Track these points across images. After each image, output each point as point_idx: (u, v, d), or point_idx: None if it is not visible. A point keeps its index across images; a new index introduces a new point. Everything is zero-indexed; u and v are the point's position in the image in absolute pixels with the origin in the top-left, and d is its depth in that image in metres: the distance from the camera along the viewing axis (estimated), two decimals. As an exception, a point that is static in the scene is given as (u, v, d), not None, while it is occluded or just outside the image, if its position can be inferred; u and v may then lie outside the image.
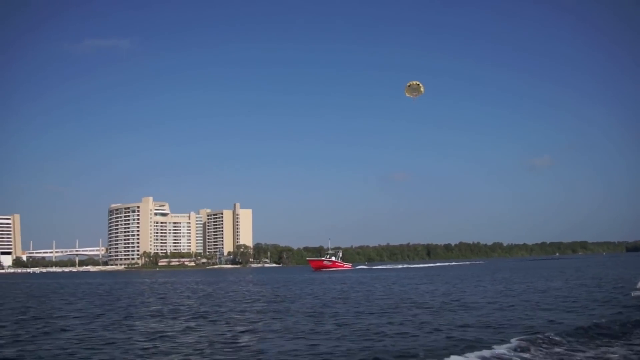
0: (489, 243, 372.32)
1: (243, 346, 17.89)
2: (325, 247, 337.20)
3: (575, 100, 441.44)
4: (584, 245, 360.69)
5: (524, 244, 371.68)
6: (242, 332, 21.12)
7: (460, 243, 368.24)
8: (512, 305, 27.59)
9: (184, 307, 33.52)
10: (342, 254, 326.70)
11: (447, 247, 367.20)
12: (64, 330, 22.61)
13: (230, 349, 17.25)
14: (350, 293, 43.26)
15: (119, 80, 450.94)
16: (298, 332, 20.55)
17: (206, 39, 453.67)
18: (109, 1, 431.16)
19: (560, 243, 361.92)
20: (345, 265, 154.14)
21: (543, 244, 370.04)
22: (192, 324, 23.83)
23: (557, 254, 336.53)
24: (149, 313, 29.76)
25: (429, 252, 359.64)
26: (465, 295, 36.13)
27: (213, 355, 16.21)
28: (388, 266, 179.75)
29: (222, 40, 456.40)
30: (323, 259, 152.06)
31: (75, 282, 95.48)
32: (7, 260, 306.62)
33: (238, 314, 27.78)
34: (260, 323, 23.60)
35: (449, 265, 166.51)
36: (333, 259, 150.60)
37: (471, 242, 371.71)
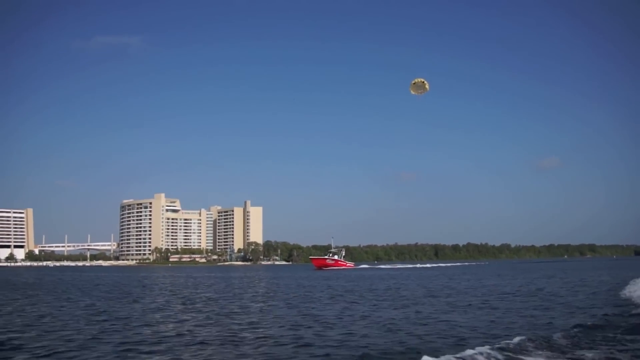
0: (497, 244, 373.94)
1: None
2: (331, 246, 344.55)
3: (582, 102, 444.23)
4: (592, 248, 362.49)
5: (532, 246, 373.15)
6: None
7: (468, 244, 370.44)
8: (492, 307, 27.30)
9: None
10: (351, 253, 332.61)
11: (455, 247, 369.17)
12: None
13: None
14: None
15: (129, 76, 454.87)
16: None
17: (216, 36, 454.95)
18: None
19: (568, 245, 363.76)
20: (347, 264, 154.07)
21: (551, 246, 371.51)
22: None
23: (566, 256, 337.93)
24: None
25: (437, 252, 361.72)
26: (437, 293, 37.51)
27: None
28: (392, 265, 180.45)
29: (231, 37, 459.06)
30: (326, 257, 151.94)
31: (123, 276, 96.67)
32: (20, 254, 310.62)
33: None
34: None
35: (453, 265, 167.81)
36: (336, 257, 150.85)
37: (479, 243, 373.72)
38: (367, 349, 15.51)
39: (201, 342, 16.97)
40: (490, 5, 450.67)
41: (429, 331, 18.83)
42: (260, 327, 20.54)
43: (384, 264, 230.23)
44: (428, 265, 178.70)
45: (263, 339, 17.57)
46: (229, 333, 18.91)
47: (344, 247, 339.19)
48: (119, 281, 70.55)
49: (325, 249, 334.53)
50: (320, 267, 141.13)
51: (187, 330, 19.73)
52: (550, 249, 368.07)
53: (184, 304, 31.82)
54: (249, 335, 18.52)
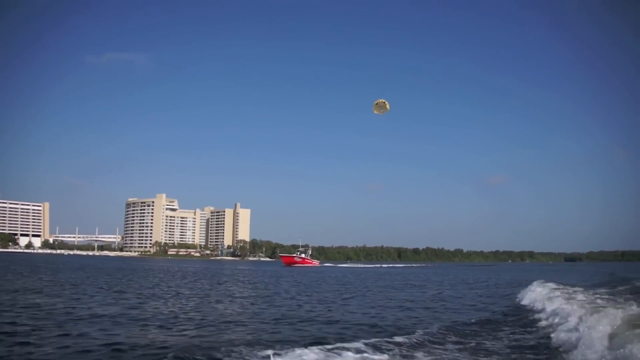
0: (452, 249, 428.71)
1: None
2: (309, 245, 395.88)
3: (527, 127, 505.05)
4: (530, 254, 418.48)
5: (481, 251, 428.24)
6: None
7: (427, 248, 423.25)
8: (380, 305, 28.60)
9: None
10: (325, 252, 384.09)
11: (416, 250, 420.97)
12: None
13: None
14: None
15: (136, 91, 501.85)
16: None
17: (214, 50, 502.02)
18: (129, 19, 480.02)
19: (511, 252, 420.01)
20: (313, 262, 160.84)
21: (497, 251, 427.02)
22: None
23: (510, 261, 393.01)
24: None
25: (400, 254, 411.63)
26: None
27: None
28: (355, 265, 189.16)
29: (228, 55, 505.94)
30: (294, 255, 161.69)
31: (135, 265, 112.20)
32: (36, 242, 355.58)
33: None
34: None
35: (408, 266, 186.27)
36: (303, 255, 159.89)
37: (436, 248, 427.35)
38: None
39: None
40: (455, 26, 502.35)
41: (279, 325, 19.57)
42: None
43: (350, 263, 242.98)
44: (385, 265, 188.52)
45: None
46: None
47: (314, 247, 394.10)
48: (150, 268, 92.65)
49: (304, 248, 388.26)
50: (289, 264, 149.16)
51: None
52: (496, 254, 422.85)
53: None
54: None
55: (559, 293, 26.68)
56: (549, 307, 21.51)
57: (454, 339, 16.56)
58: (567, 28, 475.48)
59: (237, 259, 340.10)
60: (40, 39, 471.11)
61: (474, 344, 15.69)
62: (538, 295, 27.89)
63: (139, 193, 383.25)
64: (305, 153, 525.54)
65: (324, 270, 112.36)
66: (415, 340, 15.69)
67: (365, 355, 13.32)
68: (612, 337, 12.74)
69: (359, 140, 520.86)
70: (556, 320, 18.35)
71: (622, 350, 11.39)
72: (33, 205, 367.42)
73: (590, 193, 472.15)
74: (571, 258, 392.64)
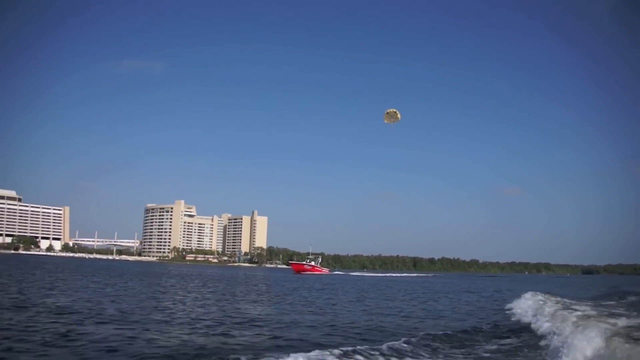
0: (467, 259, 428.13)
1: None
2: (319, 253, 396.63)
3: (541, 141, 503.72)
4: (547, 266, 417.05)
5: (497, 262, 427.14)
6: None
7: (443, 258, 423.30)
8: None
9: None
10: (341, 261, 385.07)
11: (431, 260, 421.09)
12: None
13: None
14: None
15: (154, 98, 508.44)
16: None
17: (230, 56, 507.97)
18: (147, 27, 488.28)
19: (527, 263, 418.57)
20: (323, 270, 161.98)
21: (513, 263, 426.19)
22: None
23: (527, 272, 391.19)
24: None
25: (415, 264, 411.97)
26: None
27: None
28: (365, 273, 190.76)
29: (245, 60, 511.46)
30: (304, 263, 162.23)
31: (167, 271, 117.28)
32: (57, 245, 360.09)
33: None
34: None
35: (421, 276, 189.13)
36: (312, 263, 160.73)
37: (452, 258, 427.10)
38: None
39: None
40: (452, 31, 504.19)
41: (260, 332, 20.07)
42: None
43: (366, 272, 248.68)
44: (395, 274, 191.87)
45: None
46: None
47: (330, 255, 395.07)
48: (184, 273, 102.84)
49: (319, 256, 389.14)
50: (298, 272, 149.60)
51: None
52: (512, 265, 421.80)
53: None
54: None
55: (547, 304, 26.69)
56: (535, 318, 22.03)
57: (435, 346, 16.97)
58: (572, 41, 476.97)
59: (254, 265, 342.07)
60: (62, 46, 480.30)
61: (449, 353, 15.98)
62: (526, 306, 27.99)
63: (157, 199, 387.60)
64: (323, 161, 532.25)
65: (333, 278, 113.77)
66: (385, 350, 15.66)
67: None
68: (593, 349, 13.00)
69: (374, 149, 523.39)
70: (538, 330, 18.90)
71: None
72: (54, 209, 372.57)
73: (609, 205, 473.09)
74: (588, 270, 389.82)
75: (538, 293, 35.62)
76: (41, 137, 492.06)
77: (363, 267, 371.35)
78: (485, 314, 30.68)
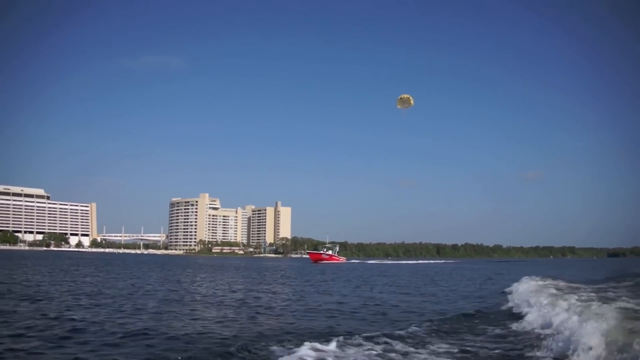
0: (491, 245, 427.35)
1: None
2: (347, 243, 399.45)
3: (564, 121, 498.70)
4: (572, 250, 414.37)
5: (521, 247, 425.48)
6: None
7: (466, 244, 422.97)
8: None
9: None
10: (364, 249, 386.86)
11: (454, 247, 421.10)
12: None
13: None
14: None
15: (174, 92, 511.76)
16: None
17: (248, 52, 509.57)
18: (164, 23, 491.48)
19: (552, 247, 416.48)
20: (340, 259, 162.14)
21: (537, 247, 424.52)
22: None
23: (552, 256, 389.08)
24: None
25: (439, 250, 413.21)
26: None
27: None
28: (387, 261, 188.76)
29: (265, 53, 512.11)
30: (321, 252, 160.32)
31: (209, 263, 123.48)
32: (85, 241, 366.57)
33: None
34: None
35: (439, 262, 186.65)
36: (330, 252, 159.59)
37: (475, 244, 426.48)
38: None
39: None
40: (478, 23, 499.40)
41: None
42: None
43: (383, 259, 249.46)
44: (415, 261, 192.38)
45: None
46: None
47: (353, 244, 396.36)
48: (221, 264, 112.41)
49: (343, 245, 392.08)
50: (316, 261, 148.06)
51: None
52: (536, 250, 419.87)
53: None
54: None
55: (544, 288, 26.62)
56: (529, 302, 21.94)
57: (431, 333, 16.86)
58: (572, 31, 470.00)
59: (280, 256, 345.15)
60: (82, 44, 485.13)
61: (428, 342, 15.49)
62: (524, 290, 27.57)
63: (181, 192, 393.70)
64: (343, 151, 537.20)
65: (348, 266, 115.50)
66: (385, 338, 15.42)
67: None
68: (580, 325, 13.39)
69: (394, 137, 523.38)
70: (530, 315, 18.74)
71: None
72: (81, 206, 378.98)
73: (636, 187, 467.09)
74: (614, 253, 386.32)
75: (535, 277, 34.97)
76: (65, 139, 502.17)
77: (387, 255, 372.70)
78: (475, 300, 30.16)
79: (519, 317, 19.83)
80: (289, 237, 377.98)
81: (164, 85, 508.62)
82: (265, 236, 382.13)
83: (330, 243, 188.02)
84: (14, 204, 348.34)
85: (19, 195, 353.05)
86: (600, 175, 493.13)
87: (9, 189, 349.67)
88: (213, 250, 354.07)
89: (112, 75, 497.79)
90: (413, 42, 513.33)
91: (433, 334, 16.73)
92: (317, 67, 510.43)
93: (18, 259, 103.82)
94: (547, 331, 15.64)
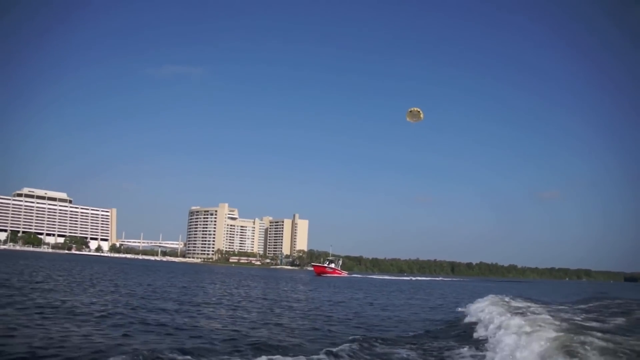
0: (505, 265, 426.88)
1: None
2: (363, 257, 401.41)
3: (581, 143, 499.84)
4: (587, 272, 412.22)
5: (536, 268, 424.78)
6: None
7: (481, 262, 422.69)
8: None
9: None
10: (378, 264, 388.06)
11: (469, 265, 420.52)
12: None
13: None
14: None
15: (192, 101, 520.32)
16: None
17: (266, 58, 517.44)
18: (185, 33, 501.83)
19: (567, 269, 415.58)
20: (342, 273, 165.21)
21: (552, 269, 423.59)
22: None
23: (567, 278, 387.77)
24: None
25: (453, 268, 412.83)
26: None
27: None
28: (385, 277, 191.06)
29: (279, 62, 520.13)
30: (325, 265, 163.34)
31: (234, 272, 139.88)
32: (105, 246, 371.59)
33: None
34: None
35: (450, 280, 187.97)
36: (332, 265, 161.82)
37: (490, 263, 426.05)
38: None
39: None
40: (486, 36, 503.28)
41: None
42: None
43: (394, 275, 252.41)
44: (420, 278, 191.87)
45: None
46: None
47: (368, 258, 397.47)
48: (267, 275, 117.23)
49: (357, 260, 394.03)
50: (319, 274, 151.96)
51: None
52: (551, 271, 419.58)
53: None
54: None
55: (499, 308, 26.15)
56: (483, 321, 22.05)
57: (381, 350, 16.68)
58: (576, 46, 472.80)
59: (297, 268, 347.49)
60: (107, 53, 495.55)
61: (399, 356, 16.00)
62: (479, 310, 27.01)
63: (199, 201, 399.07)
64: (361, 167, 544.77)
65: (348, 280, 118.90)
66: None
67: None
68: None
69: (410, 154, 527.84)
70: (482, 333, 19.25)
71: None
72: (102, 211, 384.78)
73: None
74: (631, 278, 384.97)
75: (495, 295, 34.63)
76: (87, 142, 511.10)
77: (401, 271, 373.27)
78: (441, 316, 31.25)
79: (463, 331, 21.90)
80: (306, 249, 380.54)
81: (185, 92, 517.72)
82: (281, 248, 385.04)
83: (333, 256, 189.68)
84: (37, 207, 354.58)
85: (43, 198, 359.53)
86: (619, 197, 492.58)
87: (33, 192, 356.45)
88: (230, 260, 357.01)
89: (134, 83, 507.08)
90: (433, 58, 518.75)
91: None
92: (340, 79, 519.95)
93: (105, 264, 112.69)
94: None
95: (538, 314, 21.44)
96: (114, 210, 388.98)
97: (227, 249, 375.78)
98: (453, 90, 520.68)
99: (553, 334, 14.32)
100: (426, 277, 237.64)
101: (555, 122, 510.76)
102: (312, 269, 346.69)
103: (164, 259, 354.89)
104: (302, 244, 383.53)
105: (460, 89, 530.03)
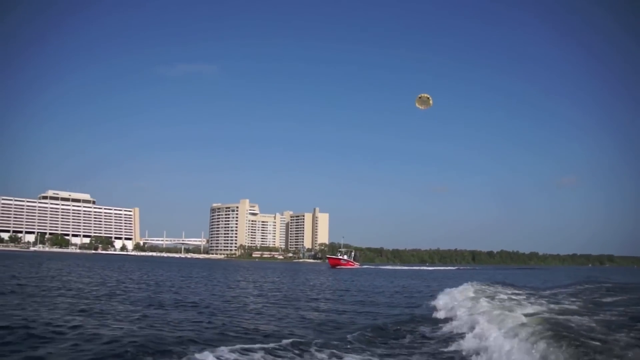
0: (527, 252, 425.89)
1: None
2: (384, 249, 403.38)
3: (597, 128, 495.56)
4: (610, 258, 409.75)
5: (557, 255, 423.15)
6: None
7: (502, 251, 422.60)
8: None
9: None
10: (400, 255, 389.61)
11: (490, 254, 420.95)
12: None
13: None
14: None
15: (208, 99, 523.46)
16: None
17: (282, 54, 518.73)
18: (199, 31, 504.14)
19: (589, 255, 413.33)
20: (355, 264, 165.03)
21: (574, 255, 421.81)
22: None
23: (590, 264, 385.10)
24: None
25: (474, 257, 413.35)
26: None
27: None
28: (396, 267, 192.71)
29: (295, 57, 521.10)
30: (340, 257, 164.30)
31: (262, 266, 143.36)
32: (129, 245, 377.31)
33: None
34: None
35: (468, 269, 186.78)
36: (345, 257, 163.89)
37: (511, 251, 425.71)
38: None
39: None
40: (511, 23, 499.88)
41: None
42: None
43: (406, 265, 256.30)
44: (430, 268, 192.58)
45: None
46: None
47: (388, 249, 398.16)
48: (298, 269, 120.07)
49: (379, 252, 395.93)
50: (334, 266, 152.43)
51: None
52: (573, 257, 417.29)
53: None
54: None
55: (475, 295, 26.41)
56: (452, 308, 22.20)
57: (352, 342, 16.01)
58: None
59: (319, 261, 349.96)
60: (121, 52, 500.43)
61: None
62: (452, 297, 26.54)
63: (220, 198, 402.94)
64: (379, 159, 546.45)
65: (360, 271, 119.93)
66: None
67: None
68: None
69: (426, 144, 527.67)
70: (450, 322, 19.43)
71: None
72: (125, 211, 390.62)
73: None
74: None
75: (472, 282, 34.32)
76: (109, 144, 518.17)
77: (422, 261, 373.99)
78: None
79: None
80: (327, 242, 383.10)
81: (200, 89, 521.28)
82: (303, 241, 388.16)
83: (345, 248, 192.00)
84: (62, 209, 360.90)
85: (67, 200, 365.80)
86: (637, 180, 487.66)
87: (57, 194, 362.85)
88: (253, 255, 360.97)
89: (147, 83, 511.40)
90: (444, 53, 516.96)
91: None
92: (363, 72, 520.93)
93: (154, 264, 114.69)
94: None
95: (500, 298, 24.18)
96: (137, 210, 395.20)
97: (249, 244, 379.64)
98: (474, 85, 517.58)
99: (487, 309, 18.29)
100: (445, 266, 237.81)
101: (569, 109, 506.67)
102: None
103: (188, 256, 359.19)
104: (323, 237, 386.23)
105: (482, 85, 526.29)
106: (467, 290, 28.24)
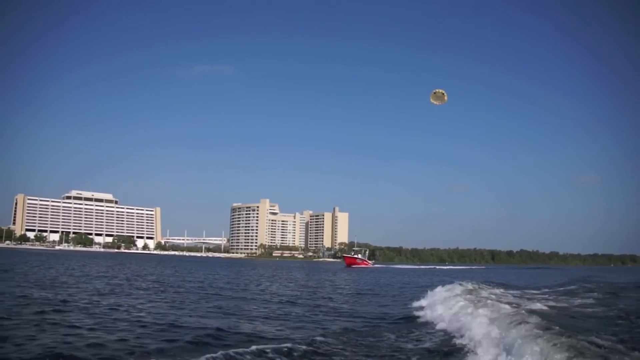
0: (547, 252, 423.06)
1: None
2: (403, 248, 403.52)
3: (618, 126, 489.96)
4: (633, 258, 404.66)
5: (578, 254, 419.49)
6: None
7: (521, 250, 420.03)
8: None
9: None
10: (418, 254, 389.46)
11: (509, 253, 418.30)
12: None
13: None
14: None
15: (227, 101, 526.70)
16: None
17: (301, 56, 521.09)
18: (217, 32, 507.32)
19: (611, 255, 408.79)
20: (369, 263, 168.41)
21: (595, 255, 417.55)
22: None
23: (612, 264, 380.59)
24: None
25: (493, 256, 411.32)
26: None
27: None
28: (415, 266, 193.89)
29: (313, 57, 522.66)
30: (355, 256, 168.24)
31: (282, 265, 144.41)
32: (151, 244, 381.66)
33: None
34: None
35: (481, 268, 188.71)
36: (359, 256, 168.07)
37: (531, 250, 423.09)
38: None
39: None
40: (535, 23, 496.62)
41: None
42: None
43: (430, 264, 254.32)
44: (444, 267, 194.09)
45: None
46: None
47: (407, 248, 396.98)
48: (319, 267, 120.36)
49: (397, 251, 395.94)
50: (350, 264, 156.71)
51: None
52: (594, 257, 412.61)
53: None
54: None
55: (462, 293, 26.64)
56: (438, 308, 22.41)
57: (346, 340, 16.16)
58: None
59: (338, 260, 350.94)
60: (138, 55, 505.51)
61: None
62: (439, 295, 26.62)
63: (240, 197, 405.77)
64: (398, 159, 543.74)
65: (371, 270, 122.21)
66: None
67: None
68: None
69: (444, 144, 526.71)
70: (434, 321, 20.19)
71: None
72: (147, 210, 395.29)
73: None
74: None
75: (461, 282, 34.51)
76: (129, 145, 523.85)
77: (441, 261, 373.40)
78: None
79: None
80: (346, 241, 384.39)
81: (219, 90, 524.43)
82: (322, 241, 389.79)
83: (358, 247, 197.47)
84: (85, 208, 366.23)
85: (90, 199, 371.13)
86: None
87: (80, 194, 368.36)
88: (274, 254, 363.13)
89: (165, 83, 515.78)
90: (456, 55, 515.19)
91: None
92: (387, 73, 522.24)
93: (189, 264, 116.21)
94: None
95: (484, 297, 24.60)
96: (158, 209, 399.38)
97: (270, 244, 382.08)
98: (488, 88, 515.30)
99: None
100: (463, 266, 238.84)
101: (593, 106, 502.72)
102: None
103: (209, 254, 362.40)
104: (342, 237, 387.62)
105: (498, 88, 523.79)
106: (454, 289, 28.78)
